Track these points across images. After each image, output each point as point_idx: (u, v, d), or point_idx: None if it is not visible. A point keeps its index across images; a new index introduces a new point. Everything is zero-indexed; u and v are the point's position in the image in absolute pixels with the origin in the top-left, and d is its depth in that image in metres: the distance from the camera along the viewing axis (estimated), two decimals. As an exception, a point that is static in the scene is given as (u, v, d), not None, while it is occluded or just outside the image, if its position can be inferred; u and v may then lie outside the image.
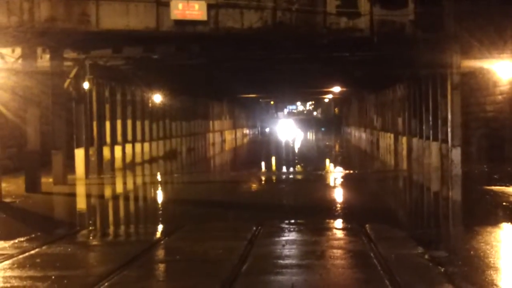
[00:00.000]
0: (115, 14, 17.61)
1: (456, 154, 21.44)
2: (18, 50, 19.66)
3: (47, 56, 20.90)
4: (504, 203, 15.31)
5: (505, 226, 12.37)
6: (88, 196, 20.03)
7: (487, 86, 25.51)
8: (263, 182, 24.01)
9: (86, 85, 24.27)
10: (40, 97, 20.97)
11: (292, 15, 18.48)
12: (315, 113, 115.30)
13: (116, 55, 22.89)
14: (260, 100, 73.25)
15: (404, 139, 32.37)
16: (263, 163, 33.49)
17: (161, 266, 9.89)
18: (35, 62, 19.94)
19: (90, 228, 14.01)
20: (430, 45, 20.59)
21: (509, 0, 20.37)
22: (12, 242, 11.27)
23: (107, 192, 21.37)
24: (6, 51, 19.87)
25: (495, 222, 12.91)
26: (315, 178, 24.37)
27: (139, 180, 25.89)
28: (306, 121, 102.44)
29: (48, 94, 22.05)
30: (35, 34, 17.69)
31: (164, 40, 19.79)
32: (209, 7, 17.90)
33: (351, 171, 26.66)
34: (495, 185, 18.36)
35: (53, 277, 8.63)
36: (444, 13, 19.95)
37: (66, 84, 22.89)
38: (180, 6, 17.64)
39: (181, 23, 17.92)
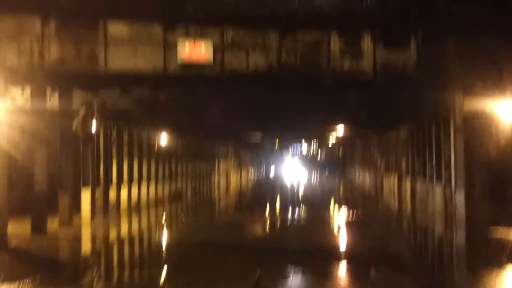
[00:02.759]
0: (124, 55, 17.94)
1: (459, 196, 21.44)
2: (28, 91, 19.96)
3: (56, 97, 21.21)
4: (508, 246, 15.30)
5: (510, 269, 12.36)
6: (93, 239, 20.09)
7: (490, 127, 25.58)
8: (267, 224, 24.04)
9: (94, 125, 24.55)
10: (48, 137, 21.20)
11: (296, 56, 18.81)
12: (319, 154, 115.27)
13: (124, 96, 23.20)
14: (265, 141, 73.45)
15: (407, 181, 32.40)
16: (268, 205, 33.51)
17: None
18: (44, 102, 20.24)
19: (94, 271, 14.02)
20: (432, 86, 20.80)
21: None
22: (16, 284, 11.29)
23: (112, 235, 21.42)
24: (16, 91, 20.16)
25: (499, 265, 12.90)
26: (319, 220, 24.40)
27: (144, 222, 25.96)
28: (310, 162, 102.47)
29: (56, 134, 22.28)
30: (44, 75, 17.98)
31: (171, 81, 20.08)
32: (215, 49, 18.24)
33: (355, 214, 26.65)
34: (499, 227, 18.35)
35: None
36: (446, 54, 20.19)
37: (74, 125, 23.16)
38: (186, 46, 17.98)
39: (188, 65, 18.23)
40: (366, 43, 19.06)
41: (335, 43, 18.88)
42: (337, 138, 61.39)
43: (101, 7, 17.50)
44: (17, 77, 18.06)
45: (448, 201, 22.57)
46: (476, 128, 26.36)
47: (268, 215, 28.51)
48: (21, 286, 11.18)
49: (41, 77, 18.20)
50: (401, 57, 19.32)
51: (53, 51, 17.58)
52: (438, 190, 24.68)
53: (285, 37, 18.70)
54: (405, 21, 19.05)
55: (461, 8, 19.24)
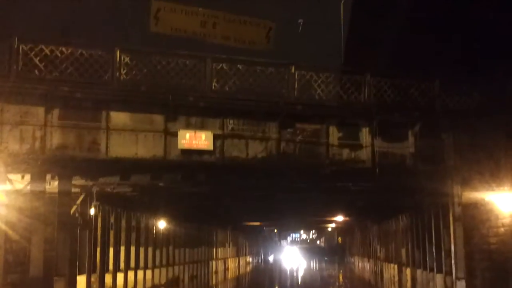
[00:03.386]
0: (124, 143, 18.09)
1: (460, 286, 21.22)
2: (27, 177, 20.03)
3: (55, 183, 21.25)
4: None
5: None
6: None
7: (489, 217, 25.55)
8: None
9: (92, 211, 24.50)
10: (46, 220, 21.10)
11: (295, 145, 19.04)
12: (318, 241, 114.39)
13: (123, 182, 23.26)
14: (264, 228, 73.08)
15: (408, 271, 32.07)
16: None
17: None
18: (44, 186, 20.24)
19: None
20: (431, 176, 20.92)
21: (508, 134, 20.91)
22: None
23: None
24: (16, 177, 20.22)
25: None
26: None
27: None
28: (309, 249, 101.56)
29: (54, 218, 22.18)
30: (45, 161, 18.08)
31: (171, 169, 20.20)
32: (215, 137, 18.48)
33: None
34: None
35: None
36: (444, 146, 20.42)
37: (72, 210, 23.10)
38: (187, 136, 18.22)
39: (188, 152, 18.41)
40: (365, 134, 19.33)
41: (334, 134, 19.15)
42: (336, 225, 61.12)
43: (103, 96, 17.80)
44: (18, 163, 18.14)
45: (449, 291, 22.33)
46: (475, 218, 26.32)
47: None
48: None
49: (41, 163, 18.29)
50: (399, 148, 19.57)
51: (55, 138, 17.74)
52: (438, 280, 24.43)
53: (284, 128, 18.99)
54: (402, 114, 19.38)
55: (458, 102, 19.65)
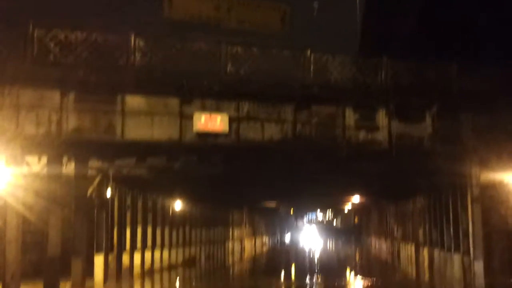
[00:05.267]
0: (140, 125, 18.13)
1: (478, 267, 21.18)
2: (44, 159, 20.14)
3: (72, 165, 21.36)
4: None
5: None
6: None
7: (507, 198, 25.41)
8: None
9: (108, 192, 24.65)
10: (63, 202, 21.28)
11: (311, 128, 18.93)
12: (334, 222, 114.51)
13: (140, 165, 23.33)
14: (280, 208, 73.19)
15: (425, 250, 32.00)
16: (282, 272, 33.13)
17: None
18: (60, 169, 20.38)
19: None
20: (448, 158, 20.78)
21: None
22: None
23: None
24: (32, 159, 20.34)
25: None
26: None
27: (157, 286, 25.71)
28: (325, 230, 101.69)
29: (71, 200, 22.36)
30: (61, 144, 18.16)
31: (187, 151, 20.20)
32: (231, 120, 18.43)
33: (372, 282, 26.27)
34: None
35: None
36: (462, 127, 20.25)
37: (89, 192, 23.27)
38: (203, 119, 18.18)
39: (203, 135, 18.40)
40: (381, 116, 19.17)
41: (350, 116, 19.02)
42: (352, 205, 61.09)
43: (119, 81, 17.78)
44: (34, 145, 18.24)
45: (466, 270, 22.30)
46: (493, 198, 26.16)
47: (283, 281, 28.14)
48: None
49: (58, 146, 18.38)
50: (416, 129, 19.40)
51: (71, 121, 17.80)
52: (456, 259, 24.37)
53: (300, 110, 18.88)
54: (419, 96, 19.19)
55: (476, 84, 19.42)
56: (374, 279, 28.45)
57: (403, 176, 27.19)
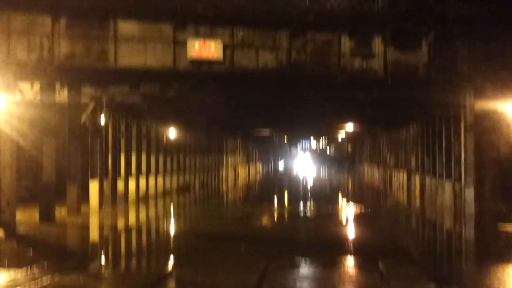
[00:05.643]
0: (133, 52, 17.92)
1: (469, 193, 21.44)
2: (37, 86, 20.01)
3: (65, 91, 21.27)
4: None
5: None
6: (101, 227, 20.25)
7: (500, 127, 25.52)
8: (275, 217, 24.08)
9: (102, 119, 24.63)
10: (57, 129, 21.31)
11: (306, 55, 18.74)
12: (328, 150, 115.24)
13: (133, 92, 23.22)
14: (274, 136, 73.47)
15: (417, 177, 32.35)
16: (275, 199, 33.54)
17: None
18: (53, 96, 20.30)
19: (102, 259, 14.13)
20: (443, 86, 20.72)
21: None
22: (24, 271, 11.40)
23: (120, 224, 21.55)
24: (25, 86, 20.23)
25: (508, 260, 12.93)
26: (327, 214, 24.43)
27: (152, 213, 26.05)
28: (319, 157, 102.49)
29: (65, 127, 22.38)
30: (54, 70, 18.01)
31: (180, 78, 20.06)
32: (225, 47, 18.21)
33: (364, 208, 26.67)
34: (508, 223, 18.41)
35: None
36: (457, 56, 20.10)
37: (83, 119, 23.26)
38: (196, 45, 17.96)
39: (197, 62, 18.22)
40: (377, 44, 18.95)
41: (346, 44, 18.79)
42: (346, 133, 61.34)
43: (111, 6, 17.47)
44: (26, 72, 18.08)
45: (457, 196, 22.60)
46: (486, 126, 26.27)
47: (276, 207, 28.54)
48: (28, 272, 11.27)
49: (50, 72, 18.23)
50: (412, 57, 19.22)
51: (63, 47, 17.59)
52: (447, 186, 24.68)
53: (295, 37, 18.63)
54: (416, 23, 18.92)
55: (473, 10, 19.12)
56: (366, 205, 28.85)
57: (398, 105, 27.20)
